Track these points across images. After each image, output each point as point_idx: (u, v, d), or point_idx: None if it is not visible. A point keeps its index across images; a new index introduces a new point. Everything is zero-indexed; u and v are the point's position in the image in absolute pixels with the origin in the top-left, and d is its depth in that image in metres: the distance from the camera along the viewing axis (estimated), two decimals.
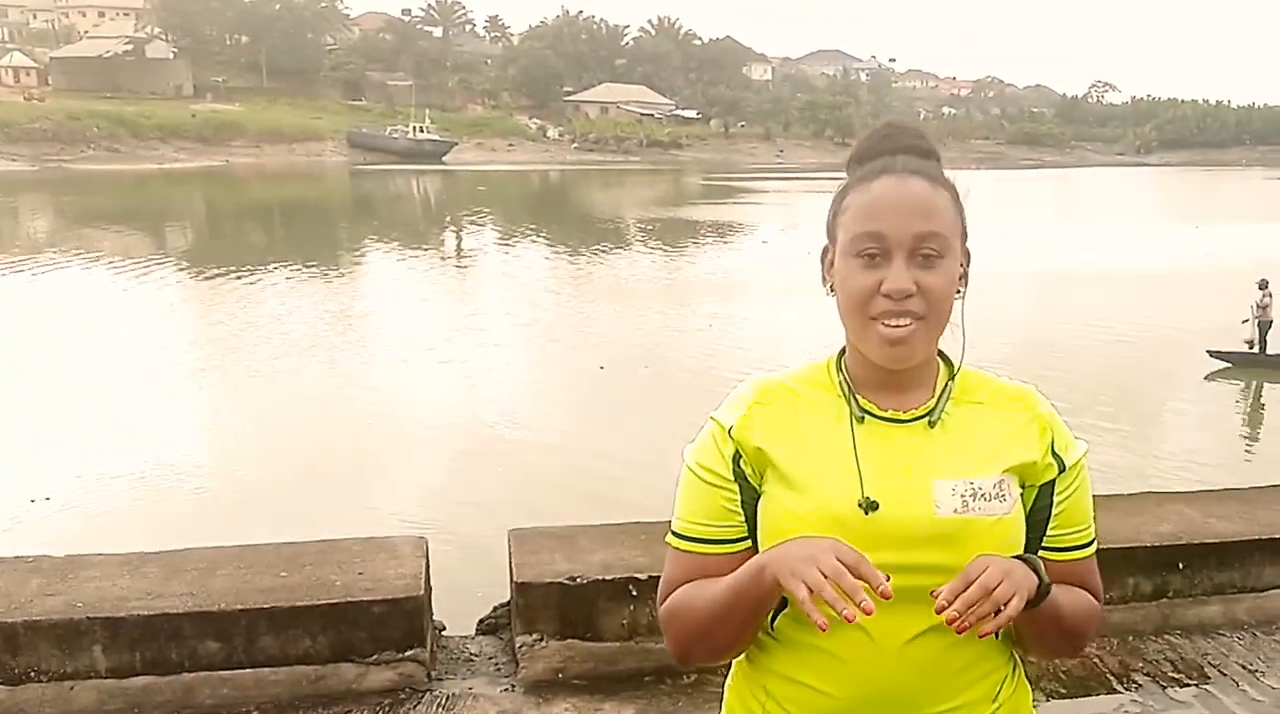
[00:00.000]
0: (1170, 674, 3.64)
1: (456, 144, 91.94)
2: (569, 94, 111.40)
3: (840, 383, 1.55)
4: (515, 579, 3.54)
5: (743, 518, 1.54)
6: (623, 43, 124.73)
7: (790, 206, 53.75)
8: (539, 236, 40.96)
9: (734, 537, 1.55)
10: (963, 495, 1.45)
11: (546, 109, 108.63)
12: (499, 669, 3.58)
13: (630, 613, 3.52)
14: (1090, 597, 1.57)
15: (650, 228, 43.73)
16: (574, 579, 3.50)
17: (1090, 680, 3.58)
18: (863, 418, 1.52)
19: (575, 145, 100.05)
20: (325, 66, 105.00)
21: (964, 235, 1.53)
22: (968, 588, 1.34)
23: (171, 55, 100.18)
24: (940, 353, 1.57)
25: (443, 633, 3.74)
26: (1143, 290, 25.32)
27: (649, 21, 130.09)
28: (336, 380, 16.97)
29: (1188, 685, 3.58)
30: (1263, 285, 18.58)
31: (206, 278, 27.57)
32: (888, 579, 1.32)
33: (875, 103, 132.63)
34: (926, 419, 1.52)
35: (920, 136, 1.57)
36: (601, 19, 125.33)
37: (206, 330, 21.21)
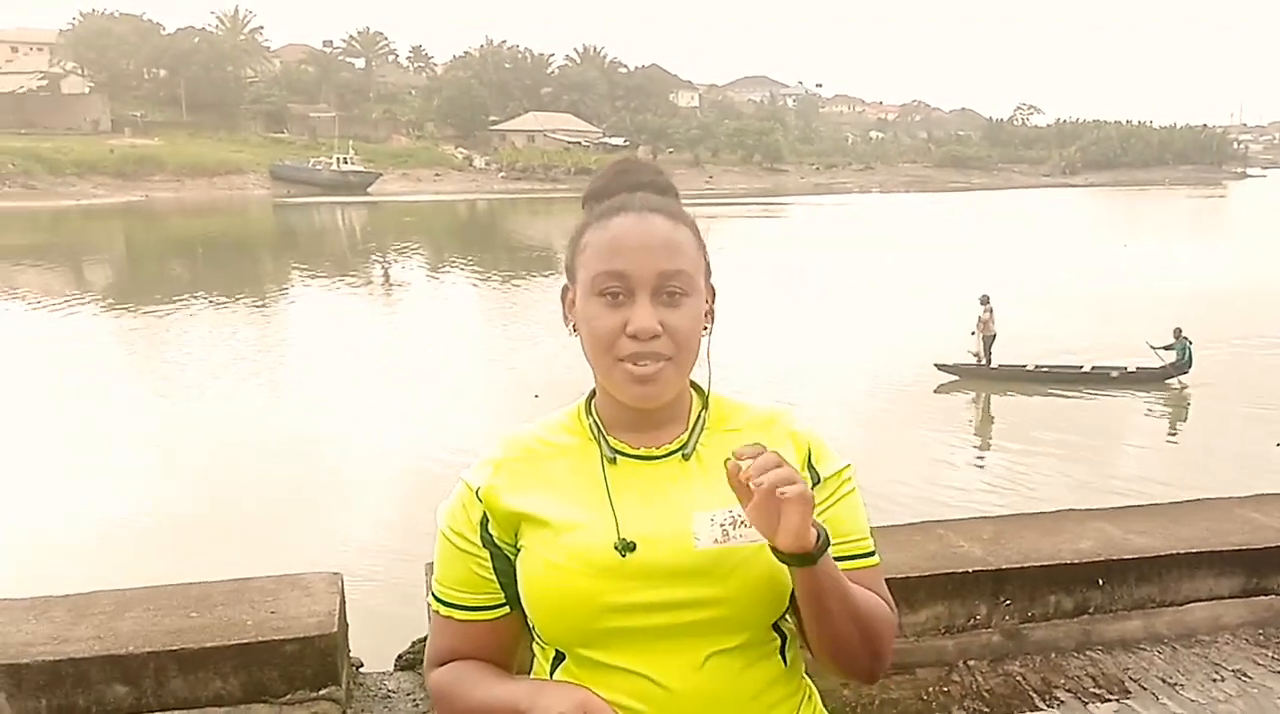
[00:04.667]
0: (1092, 690, 3.66)
1: (381, 175, 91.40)
2: (495, 123, 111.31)
3: (590, 426, 1.53)
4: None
5: (498, 585, 1.52)
6: (548, 71, 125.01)
7: (720, 232, 54.07)
8: (469, 266, 40.81)
9: (491, 604, 1.53)
10: (722, 525, 1.40)
11: (472, 138, 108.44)
12: (417, 705, 3.51)
13: None
14: (878, 596, 1.51)
15: None
16: None
17: (1013, 698, 3.60)
18: (614, 459, 1.50)
19: (502, 174, 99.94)
20: (246, 99, 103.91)
21: (708, 272, 1.52)
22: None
23: (87, 90, 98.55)
24: (693, 384, 1.56)
25: (360, 670, 3.66)
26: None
27: (574, 50, 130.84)
28: (255, 414, 16.76)
29: (1109, 700, 3.60)
30: (984, 301, 19.59)
31: (122, 313, 27.06)
32: None
33: (803, 128, 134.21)
34: (680, 453, 1.51)
35: (658, 173, 1.56)
36: (526, 48, 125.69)
37: (124, 364, 20.81)
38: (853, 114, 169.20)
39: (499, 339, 23.91)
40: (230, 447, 14.76)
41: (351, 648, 3.64)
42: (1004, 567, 3.82)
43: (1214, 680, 3.68)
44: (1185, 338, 18.60)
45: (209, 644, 3.25)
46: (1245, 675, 3.70)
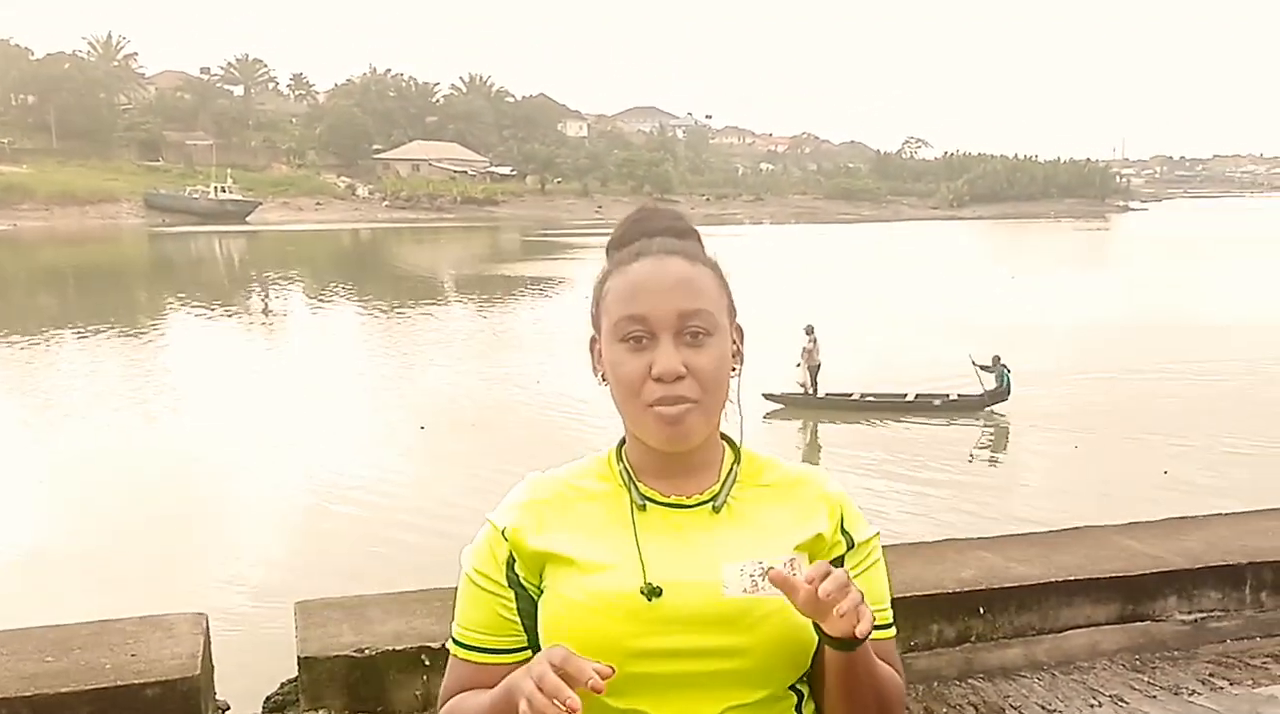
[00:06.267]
0: None
1: (261, 204, 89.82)
2: (379, 152, 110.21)
3: (621, 472, 1.52)
4: (300, 653, 3.40)
5: (520, 627, 1.50)
6: (433, 100, 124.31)
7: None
8: (352, 296, 40.22)
9: (513, 646, 1.50)
10: (752, 575, 1.39)
11: (355, 167, 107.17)
12: None
13: (424, 683, 3.40)
14: (895, 672, 1.50)
15: (472, 285, 43.55)
16: (362, 651, 3.37)
17: None
18: (644, 505, 1.49)
19: (386, 204, 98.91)
20: (120, 126, 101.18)
21: (732, 312, 1.52)
22: (824, 578, 1.29)
23: None
24: (724, 436, 1.55)
25: (226, 713, 3.55)
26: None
27: (460, 78, 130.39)
28: (127, 447, 16.26)
29: None
30: (809, 331, 19.84)
31: None
32: (611, 671, 1.27)
33: (693, 159, 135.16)
34: (711, 504, 1.49)
35: (677, 218, 1.57)
36: (410, 76, 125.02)
37: None
38: (743, 145, 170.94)
39: (383, 370, 23.58)
40: (99, 481, 14.28)
41: (218, 690, 3.54)
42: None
43: (1092, 706, 3.75)
44: (1004, 365, 18.93)
45: (65, 689, 3.13)
46: (1122, 701, 3.77)
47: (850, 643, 1.34)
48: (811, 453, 17.65)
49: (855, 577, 1.45)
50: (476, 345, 27.35)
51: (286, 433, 17.23)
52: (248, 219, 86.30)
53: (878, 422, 18.58)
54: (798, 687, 1.49)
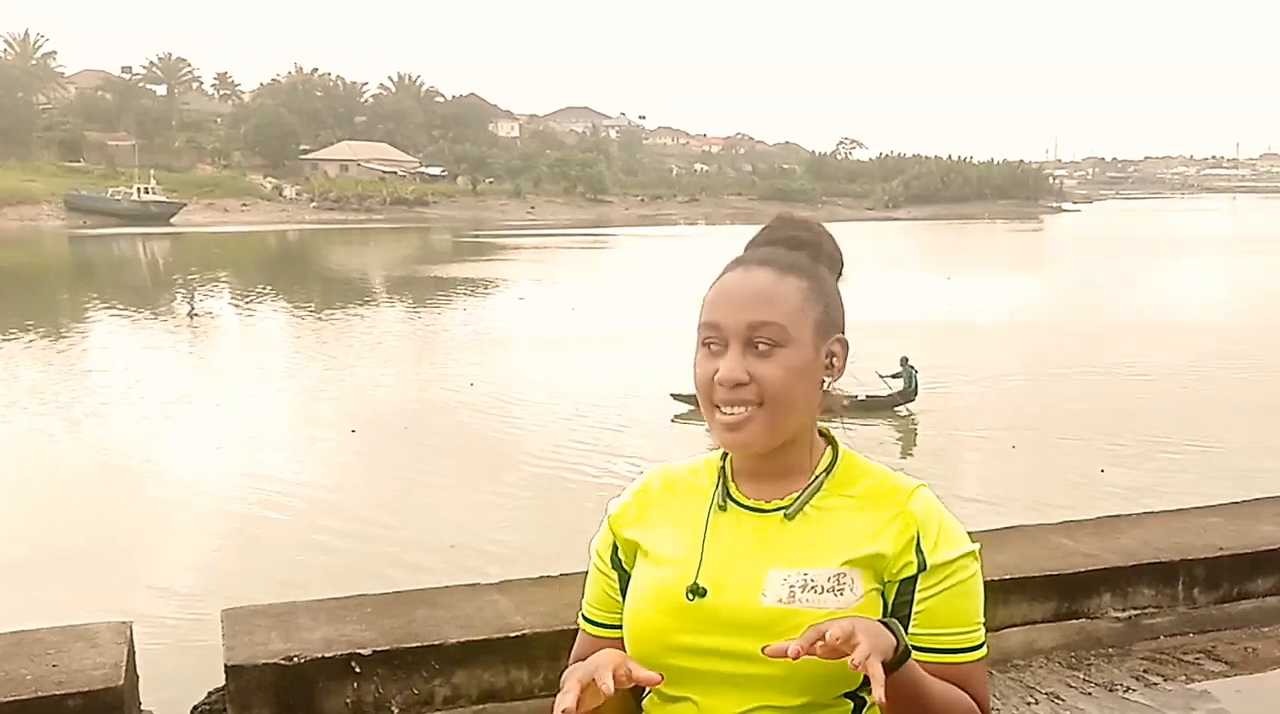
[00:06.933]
0: None
1: (185, 205, 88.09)
2: (306, 152, 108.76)
3: (720, 470, 1.60)
4: (227, 661, 3.33)
5: (622, 604, 1.61)
6: (362, 100, 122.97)
7: (546, 263, 54.19)
8: (280, 298, 39.65)
9: (618, 623, 1.61)
10: (791, 586, 1.45)
11: (283, 168, 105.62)
12: None
13: (354, 691, 3.37)
14: (968, 697, 1.50)
15: (403, 287, 43.17)
16: (291, 659, 3.32)
17: None
18: (725, 506, 1.56)
19: (315, 205, 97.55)
20: (38, 127, 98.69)
21: (828, 326, 1.55)
22: (815, 643, 1.32)
23: None
24: (831, 440, 1.62)
25: None
26: None
27: (389, 78, 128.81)
28: (49, 452, 15.88)
29: None
30: None
31: None
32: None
33: (627, 159, 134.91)
34: (784, 511, 1.53)
35: (804, 228, 1.62)
36: (338, 75, 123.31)
37: None
38: (677, 146, 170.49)
39: (313, 372, 23.26)
40: (19, 487, 13.93)
41: (143, 700, 3.48)
42: None
43: (1029, 704, 3.77)
44: (911, 366, 19.02)
45: None
46: (1058, 698, 3.80)
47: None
48: (716, 454, 17.57)
49: (924, 599, 1.48)
50: (408, 348, 27.12)
51: (213, 437, 16.94)
52: (172, 221, 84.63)
53: None
54: (860, 694, 1.49)
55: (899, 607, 1.49)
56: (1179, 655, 4.10)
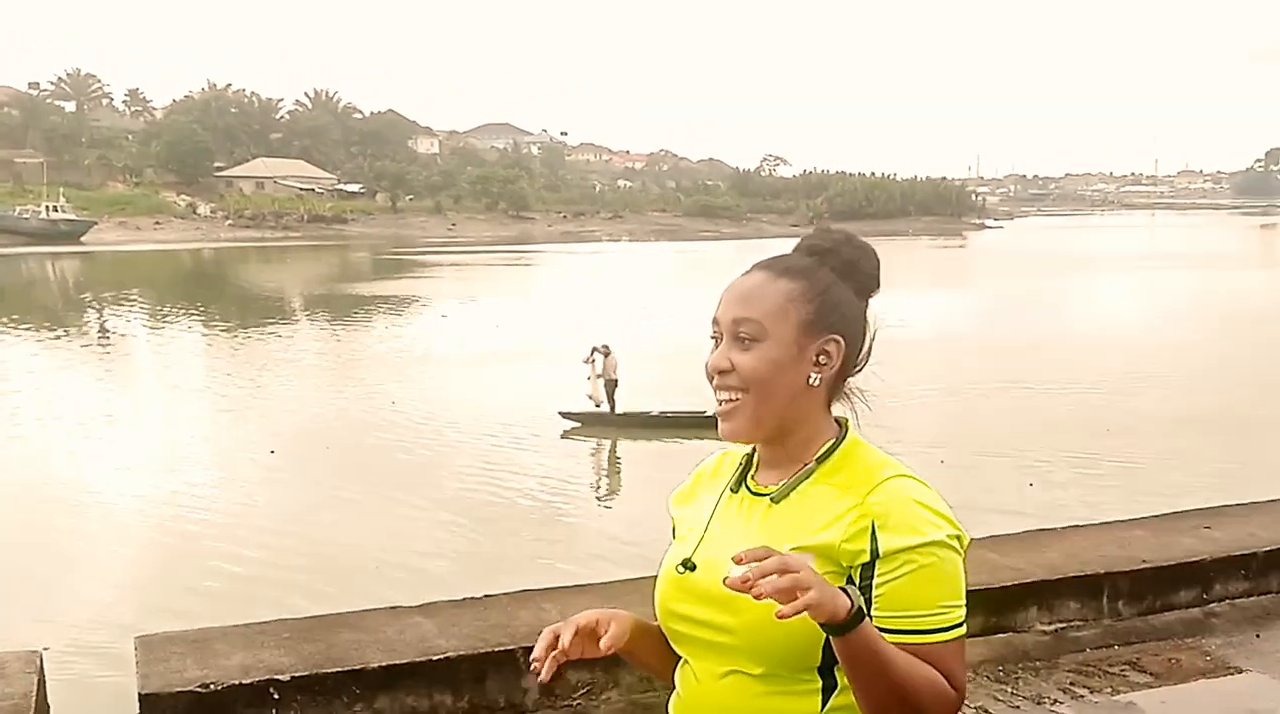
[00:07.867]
0: None
1: (96, 223, 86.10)
2: (220, 169, 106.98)
3: (743, 457, 1.74)
4: (141, 690, 3.22)
5: None
6: (277, 116, 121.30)
7: (468, 280, 53.81)
8: (195, 317, 38.91)
9: None
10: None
11: (196, 185, 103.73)
12: None
13: None
14: (936, 672, 1.53)
15: (321, 305, 42.62)
16: (207, 686, 3.22)
17: None
18: (736, 489, 1.71)
19: (230, 222, 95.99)
20: None
21: (815, 325, 1.62)
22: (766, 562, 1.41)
23: None
24: (845, 430, 1.69)
25: None
26: None
27: (305, 94, 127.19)
28: None
29: None
30: (605, 351, 20.11)
31: None
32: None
33: (549, 176, 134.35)
34: (770, 497, 1.65)
35: (824, 237, 1.73)
36: (253, 92, 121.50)
37: None
38: (600, 162, 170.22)
39: (229, 392, 22.82)
40: None
41: None
42: None
43: None
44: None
45: None
46: (987, 712, 3.82)
47: (836, 627, 1.44)
48: (612, 471, 17.76)
49: (882, 584, 1.54)
50: (329, 366, 26.77)
51: (127, 459, 16.53)
52: (83, 239, 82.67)
53: (681, 439, 17.88)
54: (836, 676, 1.57)
55: (862, 590, 1.54)
56: (1105, 668, 4.15)
